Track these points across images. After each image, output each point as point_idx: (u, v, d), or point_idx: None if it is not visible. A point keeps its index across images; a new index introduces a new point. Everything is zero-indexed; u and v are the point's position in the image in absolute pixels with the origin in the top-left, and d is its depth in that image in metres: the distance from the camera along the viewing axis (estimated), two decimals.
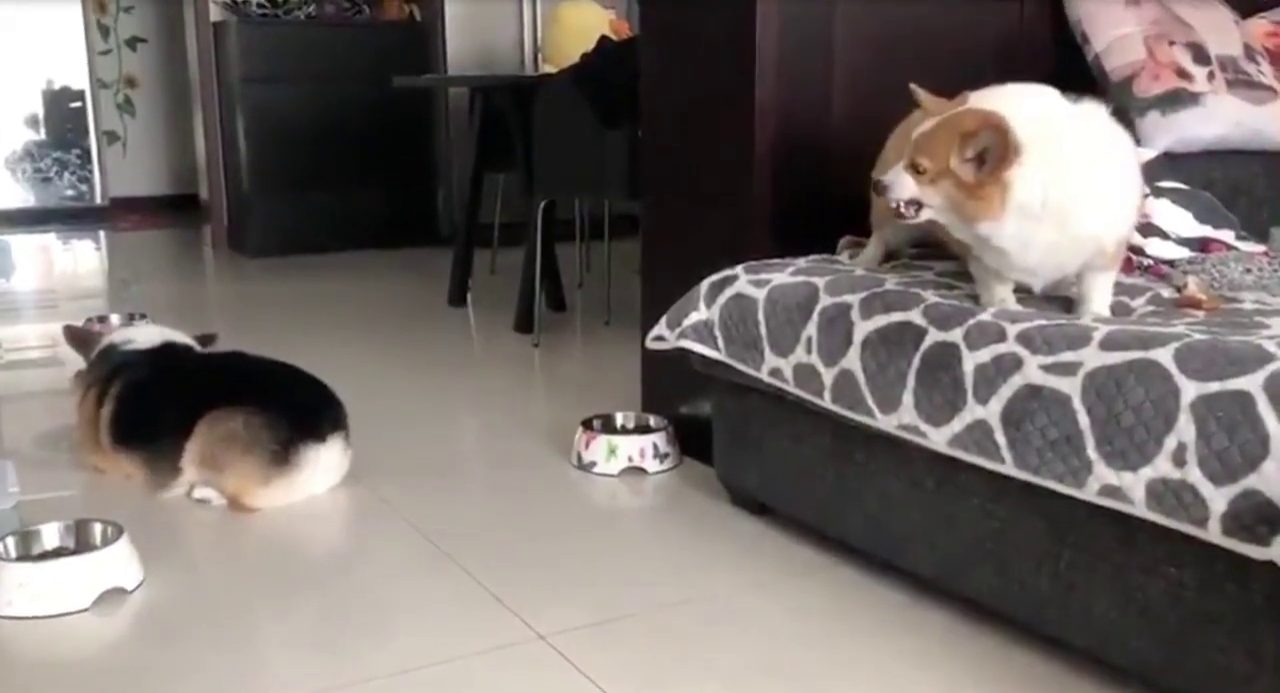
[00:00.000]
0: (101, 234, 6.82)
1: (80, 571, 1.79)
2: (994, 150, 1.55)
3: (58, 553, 1.90)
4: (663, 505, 2.28)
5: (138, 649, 1.71)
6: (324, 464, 2.27)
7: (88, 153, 7.37)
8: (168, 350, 2.46)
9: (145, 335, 2.51)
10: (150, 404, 2.33)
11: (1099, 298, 1.69)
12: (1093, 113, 1.68)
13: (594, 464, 2.41)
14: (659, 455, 2.41)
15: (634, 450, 2.39)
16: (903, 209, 1.66)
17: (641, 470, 2.39)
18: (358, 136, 5.73)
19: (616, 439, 2.41)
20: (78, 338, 2.59)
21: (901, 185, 1.64)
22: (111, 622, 1.77)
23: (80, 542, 1.93)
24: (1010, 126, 1.55)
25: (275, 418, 2.21)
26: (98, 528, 1.94)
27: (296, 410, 2.26)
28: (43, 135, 7.36)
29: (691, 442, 2.44)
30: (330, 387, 2.35)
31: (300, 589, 1.90)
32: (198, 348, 2.52)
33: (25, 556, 1.89)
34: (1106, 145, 1.67)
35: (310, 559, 2.06)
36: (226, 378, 2.36)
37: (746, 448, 2.10)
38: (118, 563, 1.84)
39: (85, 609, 1.77)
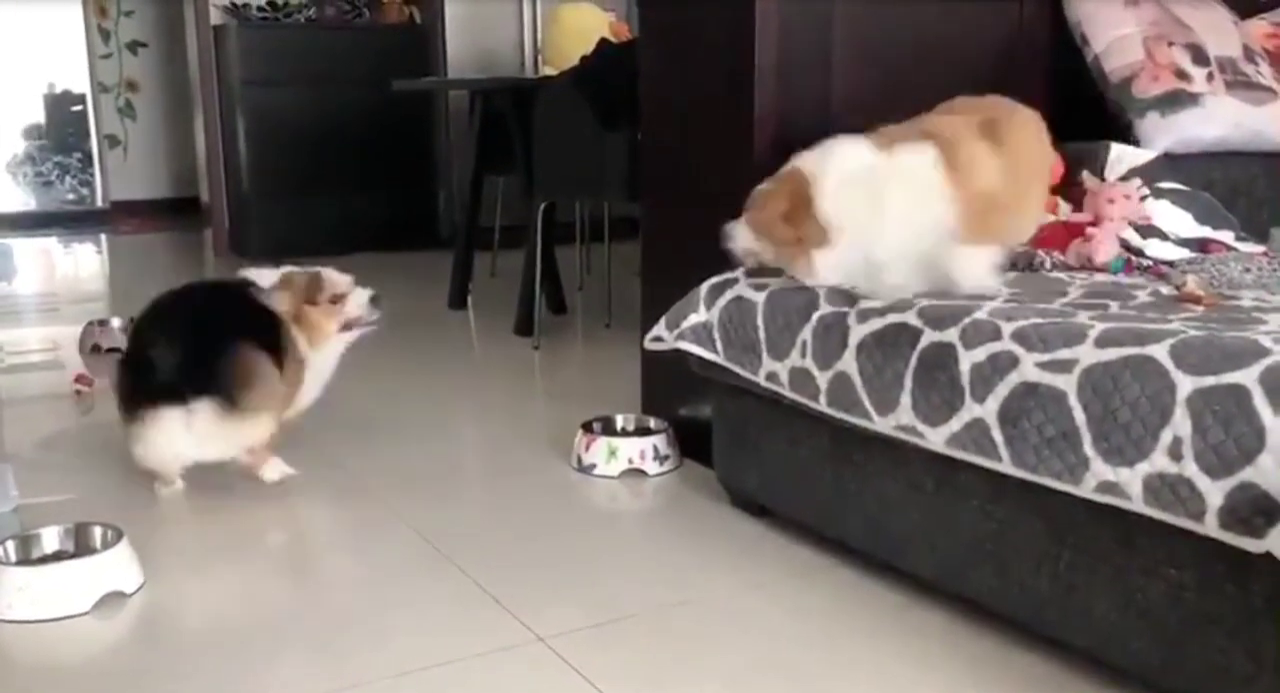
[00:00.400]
0: (103, 237, 6.83)
1: (80, 574, 1.79)
2: (801, 211, 1.79)
3: (58, 557, 1.90)
4: (662, 507, 2.28)
5: (137, 653, 1.72)
6: (171, 430, 2.15)
7: (89, 156, 7.38)
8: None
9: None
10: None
11: (963, 271, 1.77)
12: (906, 164, 1.81)
13: (594, 466, 2.41)
14: (659, 457, 2.41)
15: (634, 452, 2.39)
16: (742, 257, 1.91)
17: (641, 472, 2.39)
18: (358, 139, 5.74)
19: (616, 441, 2.41)
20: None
21: (739, 236, 1.89)
22: (111, 625, 1.77)
23: (80, 545, 1.93)
24: (814, 192, 1.79)
25: (125, 373, 2.22)
26: (98, 532, 1.94)
27: (152, 366, 2.17)
28: (44, 139, 7.37)
29: (691, 444, 2.44)
30: (229, 343, 2.19)
31: (300, 592, 1.90)
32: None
33: (25, 559, 1.89)
34: (909, 200, 1.80)
35: (310, 561, 2.06)
36: (151, 322, 2.28)
37: (746, 450, 2.10)
38: (117, 567, 1.84)
39: (85, 613, 1.78)
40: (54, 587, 1.77)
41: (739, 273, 2.03)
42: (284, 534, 2.17)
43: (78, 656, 1.70)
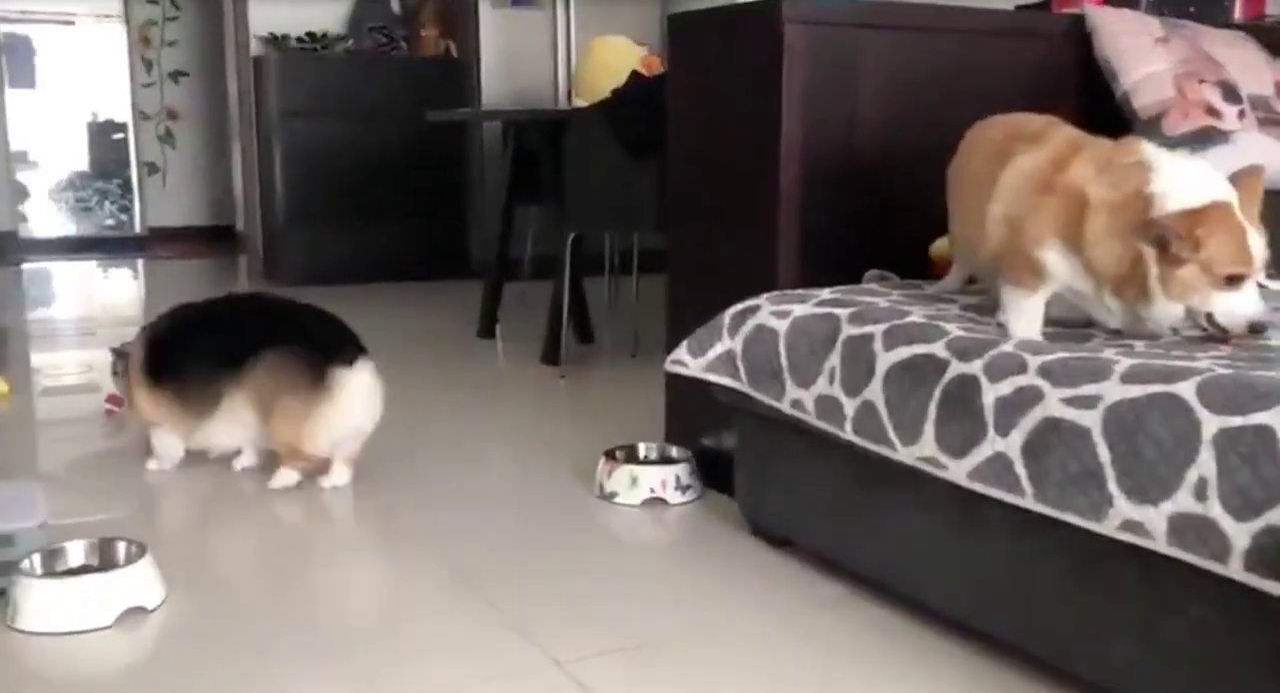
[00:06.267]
0: (140, 263, 6.93)
1: (103, 588, 1.81)
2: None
3: (82, 571, 1.92)
4: (683, 536, 2.27)
5: (156, 668, 1.72)
6: (356, 388, 2.40)
7: (128, 183, 7.52)
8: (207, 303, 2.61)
9: None
10: (183, 342, 2.52)
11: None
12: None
13: (616, 494, 2.40)
14: (681, 487, 2.41)
15: (656, 481, 2.39)
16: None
17: (663, 501, 2.38)
18: (392, 170, 5.81)
19: (638, 470, 2.41)
20: None
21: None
22: (132, 640, 1.79)
23: (104, 560, 1.95)
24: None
25: (305, 349, 2.39)
26: (121, 547, 1.95)
27: (322, 340, 2.42)
28: (85, 166, 7.50)
29: (714, 474, 2.43)
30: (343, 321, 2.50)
31: (320, 613, 1.90)
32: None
33: (50, 572, 1.91)
34: None
35: (331, 584, 2.06)
36: (257, 320, 2.52)
37: (768, 480, 2.09)
38: (140, 582, 1.85)
39: (107, 627, 1.79)
40: (76, 600, 1.79)
41: (761, 300, 2.04)
42: (305, 554, 2.18)
43: (99, 669, 1.71)
